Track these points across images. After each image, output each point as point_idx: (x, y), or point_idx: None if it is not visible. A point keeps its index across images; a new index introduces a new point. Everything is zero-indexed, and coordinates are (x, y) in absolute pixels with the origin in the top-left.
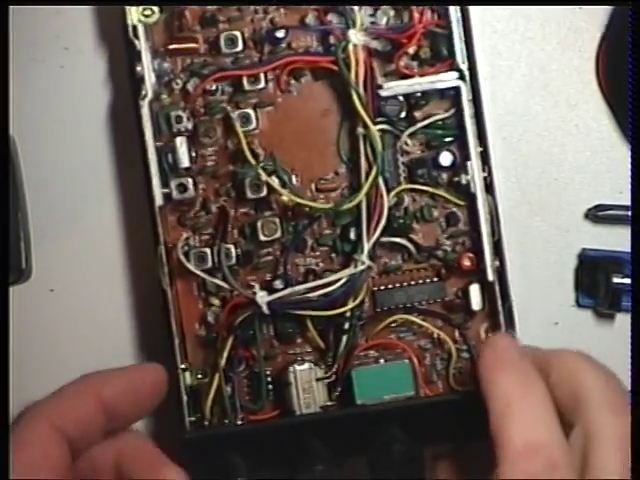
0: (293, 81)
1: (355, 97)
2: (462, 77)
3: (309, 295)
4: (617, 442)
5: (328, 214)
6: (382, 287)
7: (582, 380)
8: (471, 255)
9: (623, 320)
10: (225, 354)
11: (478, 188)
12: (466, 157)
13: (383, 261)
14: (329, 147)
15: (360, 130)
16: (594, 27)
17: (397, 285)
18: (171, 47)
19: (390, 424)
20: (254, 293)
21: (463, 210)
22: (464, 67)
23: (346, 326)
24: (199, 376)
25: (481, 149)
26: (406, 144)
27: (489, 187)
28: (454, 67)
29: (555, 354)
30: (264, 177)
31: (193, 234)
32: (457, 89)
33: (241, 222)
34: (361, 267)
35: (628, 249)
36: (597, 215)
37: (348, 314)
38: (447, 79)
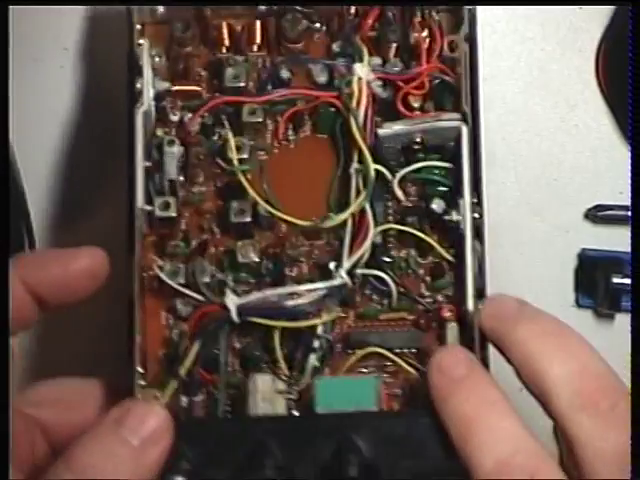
0: (291, 132)
1: (354, 127)
2: (465, 119)
3: (281, 302)
4: (602, 453)
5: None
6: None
7: (544, 370)
8: (452, 307)
9: (623, 320)
10: (187, 364)
11: (468, 230)
12: (458, 193)
13: (359, 309)
14: (320, 193)
15: (355, 166)
16: (594, 27)
17: (372, 330)
18: (174, 89)
19: (348, 435)
20: (224, 297)
21: (449, 263)
22: (467, 109)
23: (315, 344)
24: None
25: (475, 200)
26: (399, 188)
27: (479, 232)
28: (458, 110)
29: (512, 337)
30: (245, 181)
31: (170, 261)
32: (458, 130)
33: (220, 254)
34: (338, 281)
35: (628, 249)
36: (597, 215)
37: (319, 330)
38: (449, 119)
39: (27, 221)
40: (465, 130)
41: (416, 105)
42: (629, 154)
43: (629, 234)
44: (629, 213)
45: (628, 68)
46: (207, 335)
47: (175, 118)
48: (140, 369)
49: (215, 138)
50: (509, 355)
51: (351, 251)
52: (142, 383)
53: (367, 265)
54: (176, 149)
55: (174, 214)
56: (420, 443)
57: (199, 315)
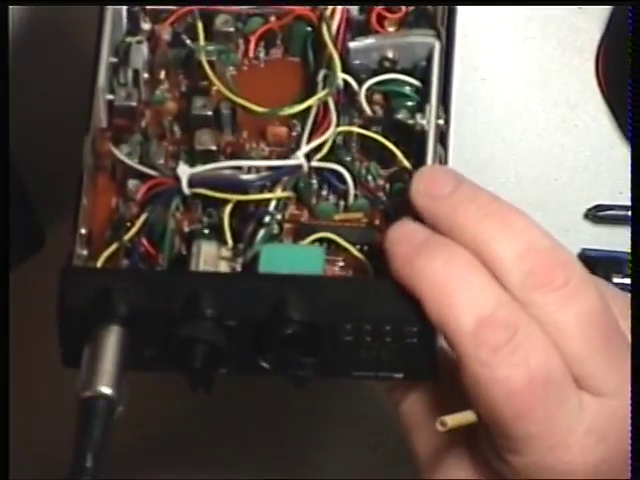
0: (262, 52)
1: (327, 36)
2: (438, 36)
3: (235, 176)
4: (564, 328)
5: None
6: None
7: (490, 255)
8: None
9: None
10: (132, 231)
11: (432, 133)
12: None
13: (313, 207)
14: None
15: (323, 72)
16: (594, 27)
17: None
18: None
19: (289, 294)
20: (175, 168)
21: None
22: (442, 30)
23: (266, 219)
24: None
25: (443, 120)
26: (366, 100)
27: (443, 138)
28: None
29: (450, 220)
30: (208, 67)
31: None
32: (431, 47)
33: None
34: (294, 161)
35: (628, 249)
36: (597, 215)
37: (271, 206)
38: (422, 34)
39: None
40: (437, 46)
41: (391, 29)
42: (629, 154)
43: (629, 234)
44: (629, 213)
45: (628, 68)
46: (156, 206)
47: (146, 27)
48: (83, 230)
49: (185, 47)
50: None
51: (310, 140)
52: (84, 253)
53: (325, 159)
54: (144, 48)
55: (134, 103)
56: (372, 307)
57: (149, 186)
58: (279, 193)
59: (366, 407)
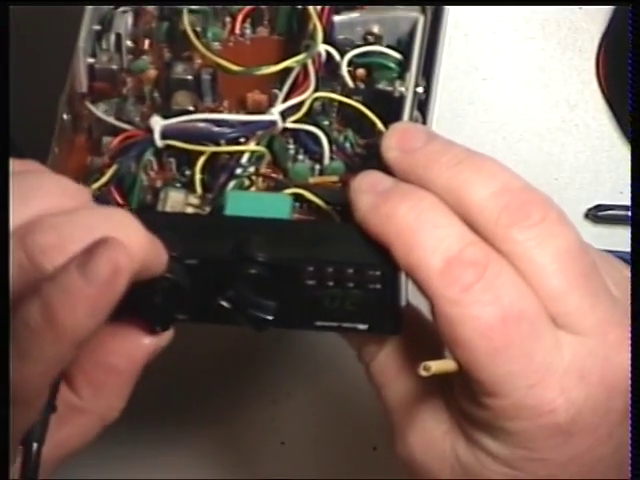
0: (248, 29)
1: (311, 8)
2: (424, 11)
3: (209, 127)
4: (547, 264)
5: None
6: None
7: (465, 198)
8: None
9: None
10: (102, 180)
11: (409, 99)
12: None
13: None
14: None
15: (306, 42)
16: (594, 27)
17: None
18: None
19: (254, 234)
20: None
21: None
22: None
23: (237, 171)
24: None
25: (422, 88)
26: (347, 72)
27: (423, 106)
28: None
29: (426, 175)
30: (190, 31)
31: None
32: (415, 22)
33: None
34: (269, 117)
35: (628, 249)
36: (597, 215)
37: (244, 158)
38: (407, 9)
39: None
40: (422, 19)
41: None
42: (629, 154)
43: (629, 234)
44: (629, 213)
45: (628, 68)
46: (127, 157)
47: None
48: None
49: (170, 21)
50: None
51: (286, 100)
52: None
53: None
54: (129, 16)
55: (115, 67)
56: (334, 250)
57: (122, 138)
58: (252, 146)
59: (366, 407)
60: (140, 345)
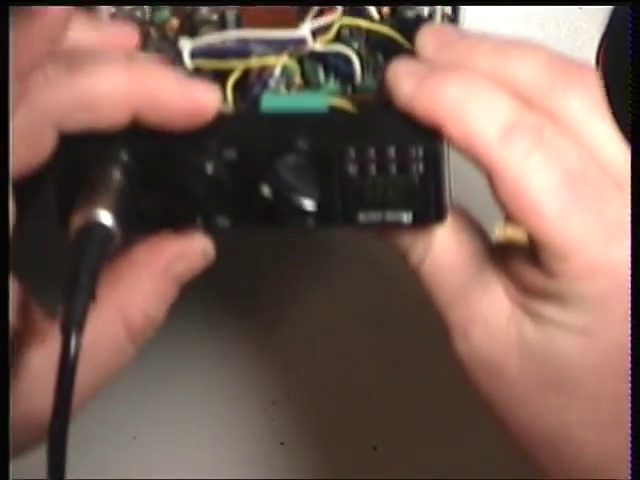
0: None
1: None
2: None
3: (238, 44)
4: (605, 132)
5: None
6: None
7: (515, 70)
8: None
9: None
10: None
11: (438, 16)
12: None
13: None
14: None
15: None
16: (594, 27)
17: None
18: None
19: (291, 126)
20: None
21: None
22: None
23: (271, 83)
24: None
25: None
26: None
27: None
28: None
29: (468, 63)
30: None
31: None
32: None
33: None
34: (299, 34)
35: None
36: None
37: (277, 71)
38: None
39: None
40: None
41: None
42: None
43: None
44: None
45: (628, 68)
46: None
47: None
48: None
49: None
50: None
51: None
52: None
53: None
54: None
55: (139, 14)
56: (376, 132)
57: None
58: (285, 59)
59: (366, 406)
60: (170, 244)
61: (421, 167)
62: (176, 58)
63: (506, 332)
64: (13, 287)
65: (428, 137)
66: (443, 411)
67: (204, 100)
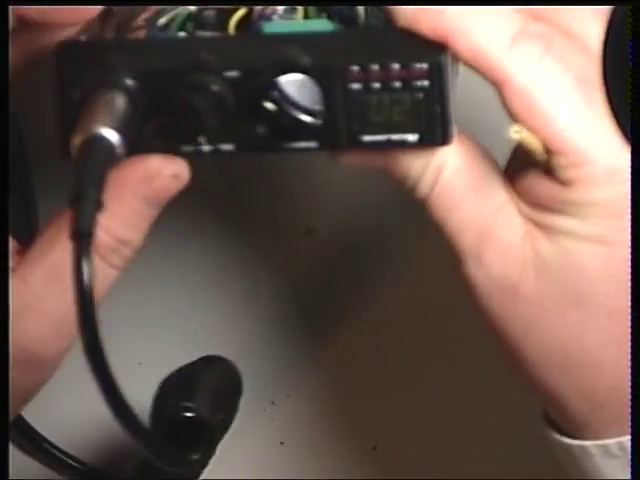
0: None
1: None
2: None
3: None
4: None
5: None
6: None
7: (445, 14)
8: None
9: None
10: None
11: None
12: None
13: None
14: None
15: None
16: None
17: None
18: None
19: (293, 44)
20: None
21: None
22: None
23: (274, 18)
24: None
25: None
26: None
27: None
28: None
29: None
30: None
31: None
32: None
33: None
34: None
35: None
36: None
37: (280, 9)
38: None
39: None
40: None
41: None
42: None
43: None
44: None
45: (628, 68)
46: (158, 23)
47: None
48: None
49: None
50: None
51: None
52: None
53: None
54: None
55: None
56: (379, 48)
57: (154, 8)
58: None
59: (366, 407)
60: (139, 165)
61: (426, 82)
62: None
63: (521, 250)
64: None
65: (432, 51)
66: (443, 411)
67: None
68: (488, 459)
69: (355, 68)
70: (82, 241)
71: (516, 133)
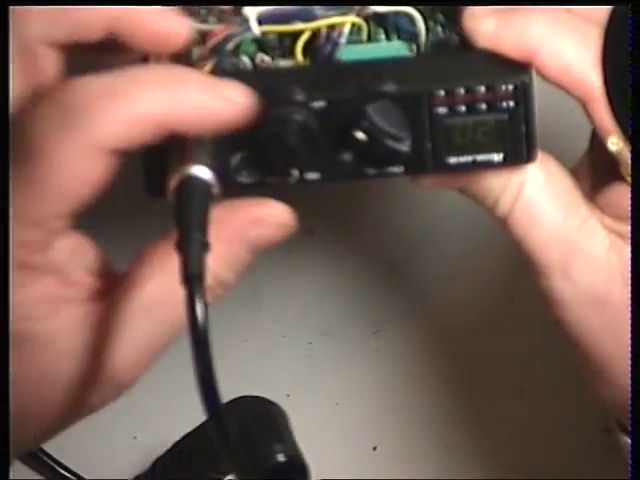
0: None
1: None
2: None
3: (303, 7)
4: None
5: None
6: None
7: (530, 33)
8: None
9: None
10: (205, 71)
11: None
12: None
13: None
14: None
15: None
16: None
17: None
18: None
19: (377, 72)
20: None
21: None
22: None
23: (342, 41)
24: None
25: None
26: None
27: None
28: None
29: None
30: None
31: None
32: None
33: None
34: None
35: None
36: None
37: (345, 29)
38: None
39: None
40: None
41: None
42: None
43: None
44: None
45: (628, 68)
46: (225, 51)
47: None
48: None
49: None
50: None
51: None
52: None
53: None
54: None
55: None
56: (463, 70)
57: (217, 32)
58: (353, 17)
59: (366, 407)
60: (247, 208)
61: (511, 103)
62: (242, 25)
63: (607, 262)
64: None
65: (516, 72)
66: (443, 411)
67: (237, 100)
68: (488, 459)
69: (441, 93)
70: (194, 284)
71: (613, 145)
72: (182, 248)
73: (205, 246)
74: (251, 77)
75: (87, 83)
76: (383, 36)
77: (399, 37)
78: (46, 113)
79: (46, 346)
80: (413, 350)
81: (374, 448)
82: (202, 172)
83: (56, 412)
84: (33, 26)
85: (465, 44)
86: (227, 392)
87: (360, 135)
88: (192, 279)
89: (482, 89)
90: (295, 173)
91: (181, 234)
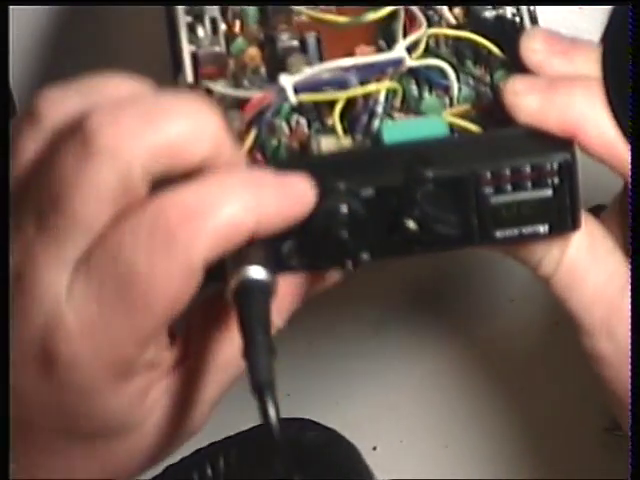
0: None
1: None
2: None
3: (338, 74)
4: None
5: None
6: None
7: (574, 110)
8: None
9: None
10: (245, 147)
11: (525, 15)
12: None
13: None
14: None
15: None
16: (594, 27)
17: None
18: None
19: (422, 155)
20: (277, 79)
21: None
22: None
23: (378, 109)
24: None
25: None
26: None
27: (535, 20)
28: None
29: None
30: None
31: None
32: None
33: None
34: (395, 54)
35: None
36: (597, 215)
37: (381, 96)
38: None
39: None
40: None
41: None
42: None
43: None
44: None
45: (628, 68)
46: (264, 120)
47: None
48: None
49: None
50: None
51: (405, 33)
52: None
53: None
54: (216, 10)
55: (219, 49)
56: (507, 151)
57: (255, 102)
58: (388, 83)
59: (367, 407)
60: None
61: (556, 180)
62: (279, 95)
63: None
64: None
65: (560, 149)
66: (443, 411)
67: (307, 197)
68: (488, 459)
69: (487, 174)
70: (264, 391)
71: None
72: (249, 355)
73: (272, 350)
74: (299, 164)
75: (175, 201)
76: (416, 92)
77: (430, 91)
78: (138, 236)
79: (135, 429)
80: (413, 350)
81: (374, 448)
82: (259, 273)
83: (135, 473)
84: (134, 163)
85: (497, 97)
86: (227, 392)
87: (411, 224)
88: (262, 386)
89: (527, 169)
90: (348, 263)
91: (246, 340)
